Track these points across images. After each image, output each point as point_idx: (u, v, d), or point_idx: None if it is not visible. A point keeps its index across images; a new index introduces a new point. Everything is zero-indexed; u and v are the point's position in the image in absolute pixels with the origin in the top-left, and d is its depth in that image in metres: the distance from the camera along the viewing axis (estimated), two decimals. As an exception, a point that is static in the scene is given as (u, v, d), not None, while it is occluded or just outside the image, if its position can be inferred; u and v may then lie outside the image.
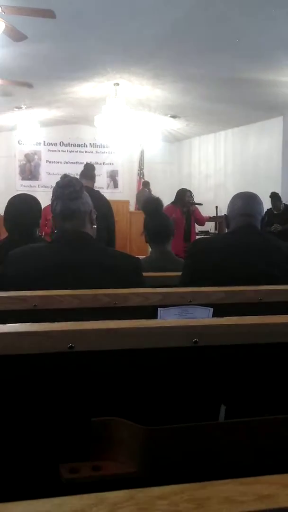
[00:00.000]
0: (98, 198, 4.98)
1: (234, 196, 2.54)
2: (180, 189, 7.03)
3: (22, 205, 2.79)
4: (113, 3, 5.17)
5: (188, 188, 7.17)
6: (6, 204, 2.88)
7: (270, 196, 7.95)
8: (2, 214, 2.94)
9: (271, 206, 7.99)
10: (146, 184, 10.90)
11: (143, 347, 1.18)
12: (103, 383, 1.15)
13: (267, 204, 7.74)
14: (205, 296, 1.81)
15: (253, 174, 9.86)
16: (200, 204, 7.22)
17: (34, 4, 4.80)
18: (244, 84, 7.60)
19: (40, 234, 2.86)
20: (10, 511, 0.54)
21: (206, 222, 7.83)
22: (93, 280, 1.90)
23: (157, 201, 3.73)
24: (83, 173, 5.39)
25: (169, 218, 3.43)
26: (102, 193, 5.31)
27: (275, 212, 8.02)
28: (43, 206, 3.00)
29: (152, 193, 10.04)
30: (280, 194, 8.26)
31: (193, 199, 7.00)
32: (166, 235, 3.20)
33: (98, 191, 5.72)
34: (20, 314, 1.64)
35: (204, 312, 1.63)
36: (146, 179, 11.85)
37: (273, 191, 8.14)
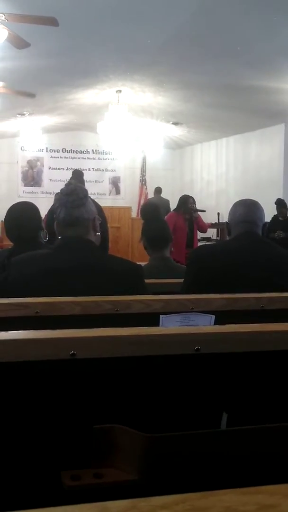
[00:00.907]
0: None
1: (235, 203, 2.54)
2: (182, 196, 7.04)
3: (22, 214, 2.79)
4: (116, 10, 5.19)
5: (190, 195, 7.19)
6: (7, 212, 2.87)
7: (275, 203, 7.94)
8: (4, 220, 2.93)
9: (276, 213, 7.97)
10: (158, 191, 10.80)
11: (145, 354, 1.18)
12: (105, 391, 1.15)
13: (268, 211, 7.73)
14: (207, 303, 1.81)
15: (255, 181, 9.87)
16: (203, 211, 7.23)
17: (37, 12, 4.83)
18: (246, 91, 7.62)
19: (45, 237, 2.84)
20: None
21: (208, 229, 7.83)
22: (95, 287, 1.90)
23: (154, 207, 3.74)
24: (72, 179, 5.43)
25: (166, 224, 3.42)
26: (104, 200, 5.35)
27: (280, 218, 8.01)
28: (45, 212, 2.99)
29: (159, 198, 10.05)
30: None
31: (195, 205, 7.01)
32: (165, 241, 3.18)
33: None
34: (22, 321, 1.64)
35: (206, 319, 1.63)
36: (148, 185, 11.88)
37: (279, 197, 8.13)
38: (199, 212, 7.06)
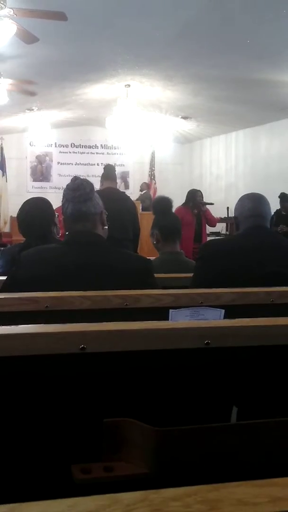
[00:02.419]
0: (125, 199, 5.00)
1: (241, 197, 2.53)
2: (190, 190, 7.02)
3: (34, 210, 2.82)
4: (124, 4, 5.17)
5: (199, 189, 7.17)
6: (19, 206, 2.90)
7: (279, 197, 7.91)
8: (14, 215, 2.95)
9: (279, 207, 7.95)
10: (147, 186, 10.97)
11: (154, 348, 1.18)
12: (115, 384, 1.16)
13: (275, 205, 7.70)
14: (217, 297, 1.81)
15: (264, 175, 9.83)
16: (212, 204, 7.21)
17: (46, 7, 4.82)
18: (255, 84, 7.58)
19: (60, 233, 2.86)
20: None
21: (217, 223, 7.81)
22: (103, 282, 1.90)
23: (167, 201, 3.72)
24: (104, 175, 5.36)
25: (178, 218, 3.41)
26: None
27: (283, 213, 7.98)
28: (55, 207, 3.01)
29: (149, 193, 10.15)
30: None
31: (203, 199, 7.00)
32: (178, 233, 3.17)
33: (123, 192, 5.70)
34: (32, 315, 1.64)
35: (215, 313, 1.63)
36: (157, 180, 11.87)
37: (282, 192, 8.10)
38: (207, 206, 7.04)
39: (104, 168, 5.62)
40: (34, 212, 2.80)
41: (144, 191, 10.94)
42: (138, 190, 11.93)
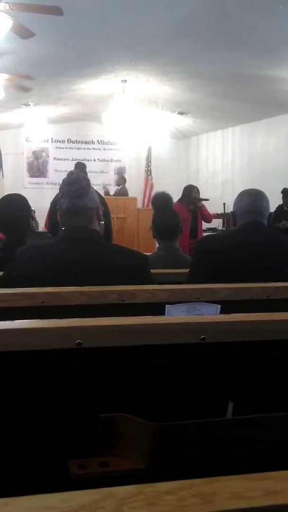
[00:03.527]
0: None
1: (240, 193, 2.53)
2: (186, 186, 7.02)
3: (9, 205, 2.88)
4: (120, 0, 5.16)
5: (195, 185, 7.16)
6: None
7: (282, 192, 7.91)
8: None
9: (282, 202, 7.94)
10: (124, 181, 10.83)
11: (150, 343, 1.18)
12: (111, 380, 1.16)
13: (274, 201, 7.70)
14: (213, 292, 1.81)
15: (261, 171, 9.83)
16: (207, 200, 7.20)
17: (42, 1, 4.80)
18: (251, 80, 7.57)
19: (39, 228, 2.93)
20: (19, 506, 0.54)
21: (213, 219, 7.81)
22: (99, 277, 1.90)
23: (166, 197, 3.72)
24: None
25: (178, 215, 3.42)
26: (110, 190, 5.33)
27: (285, 208, 7.98)
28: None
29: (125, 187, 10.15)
30: (288, 191, 8.21)
31: (199, 195, 6.99)
32: (174, 232, 3.18)
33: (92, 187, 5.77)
34: (28, 310, 1.64)
35: (211, 309, 1.63)
36: (153, 175, 11.85)
37: (285, 187, 8.09)
38: (203, 202, 7.04)
39: (75, 165, 5.73)
40: (10, 207, 2.86)
41: (120, 186, 10.80)
42: (135, 185, 11.92)
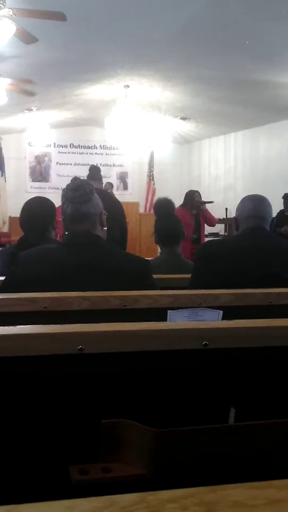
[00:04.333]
0: (109, 199, 4.99)
1: (243, 198, 2.53)
2: (188, 191, 7.03)
3: (38, 207, 2.90)
4: (123, 5, 5.17)
5: (197, 190, 7.18)
6: (18, 206, 3.00)
7: (283, 197, 7.90)
8: (13, 216, 3.06)
9: (283, 207, 7.94)
10: (111, 186, 10.77)
11: (152, 349, 1.18)
12: (113, 385, 1.16)
13: (277, 206, 7.69)
14: (215, 298, 1.81)
15: (263, 176, 9.83)
16: (211, 202, 7.21)
17: (45, 7, 4.82)
18: (254, 85, 7.58)
19: (56, 236, 2.96)
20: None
21: (216, 224, 7.81)
22: (101, 283, 1.90)
23: (168, 203, 3.73)
24: (89, 176, 5.39)
25: (179, 220, 3.42)
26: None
27: (286, 213, 7.97)
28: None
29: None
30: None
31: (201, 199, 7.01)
32: (176, 237, 3.19)
33: (109, 192, 5.72)
34: (30, 315, 1.64)
35: (213, 314, 1.63)
36: (155, 180, 11.85)
37: (286, 192, 8.09)
38: (207, 205, 7.04)
39: (89, 169, 5.66)
40: (35, 206, 2.88)
41: (108, 191, 10.77)
42: (137, 190, 11.93)
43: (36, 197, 3.07)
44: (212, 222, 7.24)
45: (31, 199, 3.00)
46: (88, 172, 5.60)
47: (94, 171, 5.56)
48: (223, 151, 11.37)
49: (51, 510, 0.54)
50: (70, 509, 0.54)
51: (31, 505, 0.55)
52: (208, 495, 0.57)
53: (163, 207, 3.79)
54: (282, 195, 7.94)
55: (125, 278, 1.97)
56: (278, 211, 7.73)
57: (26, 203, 2.95)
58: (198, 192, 7.02)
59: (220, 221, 8.50)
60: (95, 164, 6.45)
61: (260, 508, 0.55)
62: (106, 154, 12.00)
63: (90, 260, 1.98)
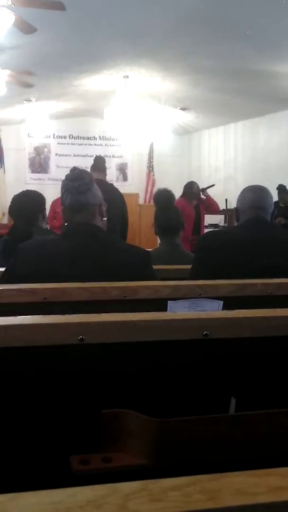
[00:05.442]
0: (111, 190, 4.97)
1: (244, 189, 2.53)
2: (187, 183, 7.02)
3: (25, 197, 3.12)
4: (123, -6, 5.14)
5: (197, 181, 7.17)
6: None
7: (277, 188, 7.91)
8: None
9: (277, 199, 7.94)
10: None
11: (153, 339, 1.18)
12: (113, 375, 1.16)
13: (277, 197, 7.70)
14: (215, 289, 1.81)
15: (263, 167, 9.81)
16: (213, 185, 7.22)
17: (44, -4, 4.79)
18: (254, 76, 7.54)
19: (47, 226, 3.13)
20: (25, 500, 0.54)
21: (215, 215, 7.80)
22: (101, 274, 1.90)
23: (168, 194, 3.72)
24: (94, 166, 5.36)
25: (179, 211, 3.42)
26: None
27: (281, 205, 7.98)
28: (52, 199, 3.16)
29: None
30: (288, 187, 8.21)
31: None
32: (176, 228, 3.19)
33: (111, 183, 5.70)
34: (30, 306, 1.64)
35: (214, 305, 1.63)
36: (155, 171, 11.84)
37: (280, 183, 8.10)
38: (208, 190, 7.05)
39: (94, 160, 5.61)
40: (25, 197, 3.11)
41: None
42: (137, 181, 11.90)
43: (23, 190, 3.29)
44: (215, 206, 7.22)
45: (22, 191, 3.21)
46: (92, 162, 5.57)
47: (99, 161, 5.52)
48: (223, 142, 11.33)
49: (54, 498, 0.54)
50: (72, 497, 0.54)
51: (34, 493, 0.55)
52: (210, 483, 0.57)
53: (163, 198, 3.79)
54: (277, 186, 7.94)
55: (125, 269, 1.97)
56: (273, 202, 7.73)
57: (14, 196, 3.19)
58: (197, 184, 7.01)
59: (220, 212, 8.49)
60: (98, 155, 6.40)
61: (262, 496, 0.55)
62: (106, 145, 11.95)
63: (89, 251, 1.98)
